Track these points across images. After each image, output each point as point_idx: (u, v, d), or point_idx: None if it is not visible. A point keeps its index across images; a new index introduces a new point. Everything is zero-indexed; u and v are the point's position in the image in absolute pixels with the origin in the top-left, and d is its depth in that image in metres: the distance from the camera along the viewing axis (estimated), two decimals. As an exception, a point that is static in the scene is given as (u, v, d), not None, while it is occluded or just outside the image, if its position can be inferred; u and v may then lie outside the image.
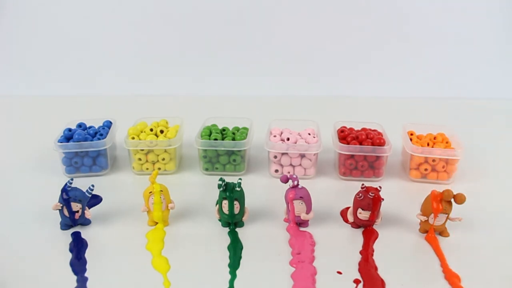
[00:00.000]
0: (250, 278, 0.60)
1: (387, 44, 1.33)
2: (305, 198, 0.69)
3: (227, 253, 0.65)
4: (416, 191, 0.83)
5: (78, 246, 0.66)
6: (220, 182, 0.68)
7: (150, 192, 0.70)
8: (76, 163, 0.86)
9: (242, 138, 0.86)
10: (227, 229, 0.71)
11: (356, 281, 0.60)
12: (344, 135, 0.87)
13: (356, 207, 0.70)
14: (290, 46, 1.33)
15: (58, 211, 0.69)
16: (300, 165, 0.86)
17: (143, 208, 0.71)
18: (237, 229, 0.70)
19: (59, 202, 0.69)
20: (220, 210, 0.70)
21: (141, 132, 0.88)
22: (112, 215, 0.74)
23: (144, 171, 0.88)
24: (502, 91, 1.34)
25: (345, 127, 0.90)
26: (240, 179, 0.70)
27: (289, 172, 0.86)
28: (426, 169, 0.85)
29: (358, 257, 0.65)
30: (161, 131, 0.88)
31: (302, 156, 0.85)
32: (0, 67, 1.36)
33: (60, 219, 0.70)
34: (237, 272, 0.61)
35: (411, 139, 0.88)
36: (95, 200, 0.76)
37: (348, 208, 0.73)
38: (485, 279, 0.61)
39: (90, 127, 0.92)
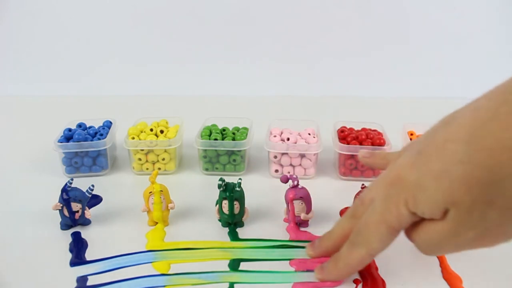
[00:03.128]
0: (250, 278, 0.60)
1: (387, 44, 1.32)
2: (305, 198, 0.69)
3: (227, 253, 0.65)
4: (416, 191, 0.83)
5: (78, 246, 0.66)
6: (220, 182, 0.68)
7: (150, 192, 0.70)
8: (76, 163, 0.86)
9: (242, 138, 0.86)
10: (227, 229, 0.71)
11: (356, 281, 0.60)
12: (344, 135, 0.87)
13: (356, 207, 0.69)
14: (291, 46, 1.33)
15: (58, 211, 0.69)
16: (300, 165, 0.86)
17: (143, 208, 0.71)
18: (237, 229, 0.71)
19: (59, 202, 0.69)
20: (220, 210, 0.70)
21: (141, 132, 0.88)
22: (112, 215, 0.74)
23: (144, 171, 0.88)
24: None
25: (345, 127, 0.90)
26: (240, 179, 0.70)
27: (289, 172, 0.86)
28: (426, 169, 0.85)
29: (358, 257, 0.65)
30: (161, 131, 0.88)
31: (302, 156, 0.85)
32: (0, 67, 1.36)
33: (60, 219, 0.70)
34: (237, 272, 0.61)
35: (411, 139, 0.88)
36: (95, 200, 0.76)
37: (347, 208, 0.73)
38: (485, 279, 0.60)
39: (90, 127, 0.92)
